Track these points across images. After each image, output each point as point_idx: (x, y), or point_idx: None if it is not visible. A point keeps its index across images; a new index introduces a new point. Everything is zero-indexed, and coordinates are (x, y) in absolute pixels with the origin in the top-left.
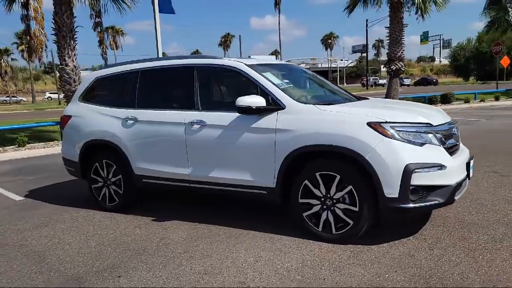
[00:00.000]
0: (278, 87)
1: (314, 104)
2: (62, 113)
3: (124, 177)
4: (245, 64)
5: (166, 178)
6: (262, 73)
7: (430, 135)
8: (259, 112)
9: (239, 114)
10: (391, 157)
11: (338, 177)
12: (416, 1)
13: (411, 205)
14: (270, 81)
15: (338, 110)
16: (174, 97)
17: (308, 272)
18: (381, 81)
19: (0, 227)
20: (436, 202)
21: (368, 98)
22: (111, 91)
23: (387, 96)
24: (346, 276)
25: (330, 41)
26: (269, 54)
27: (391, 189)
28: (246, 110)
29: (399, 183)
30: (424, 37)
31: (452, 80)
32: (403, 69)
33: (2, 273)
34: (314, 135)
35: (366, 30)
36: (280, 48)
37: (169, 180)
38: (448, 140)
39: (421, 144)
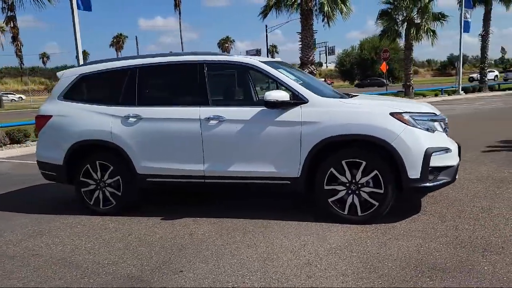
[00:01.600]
0: (297, 83)
1: (333, 98)
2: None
3: (123, 178)
4: (260, 61)
5: (176, 175)
6: (278, 70)
7: (436, 123)
8: (284, 106)
9: (261, 109)
10: (414, 143)
11: (364, 163)
12: (324, 10)
13: (429, 184)
14: (288, 77)
15: (357, 102)
16: (182, 93)
17: (358, 249)
18: None
19: None
20: (445, 180)
21: (356, 94)
22: (101, 88)
23: None
24: (394, 249)
25: (227, 45)
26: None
27: (414, 171)
28: (274, 104)
29: (421, 165)
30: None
31: (341, 84)
32: (315, 72)
33: (47, 282)
34: (340, 126)
35: (266, 35)
36: (182, 50)
37: (180, 177)
38: (446, 127)
39: (433, 131)
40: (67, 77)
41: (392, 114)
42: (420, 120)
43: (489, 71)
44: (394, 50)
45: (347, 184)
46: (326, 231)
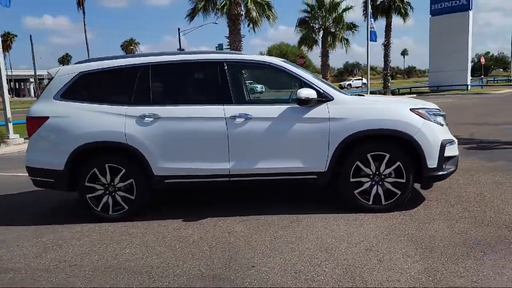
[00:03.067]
0: (320, 81)
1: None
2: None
3: (137, 181)
4: (280, 60)
5: (198, 175)
6: (298, 69)
7: (441, 118)
8: (313, 103)
9: (288, 106)
10: (432, 135)
11: (387, 155)
12: (251, 15)
13: (442, 172)
14: (311, 76)
15: (375, 100)
16: (203, 92)
17: (400, 233)
18: None
19: None
20: (452, 169)
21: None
22: (108, 87)
23: None
24: (432, 231)
25: (131, 47)
26: (60, 58)
27: (432, 161)
28: (306, 101)
29: (438, 155)
30: (220, 49)
31: None
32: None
33: None
34: (366, 121)
35: (179, 38)
36: (88, 51)
37: (202, 177)
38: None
39: (442, 125)
40: (63, 76)
41: (412, 109)
42: (433, 115)
43: (356, 79)
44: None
45: (371, 176)
46: (359, 220)
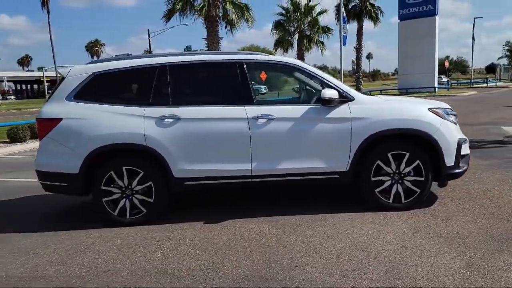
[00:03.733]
0: (340, 82)
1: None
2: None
3: (156, 183)
4: (299, 61)
5: (219, 176)
6: (318, 69)
7: (454, 117)
8: (335, 103)
9: (310, 106)
10: (450, 134)
11: (407, 154)
12: (230, 17)
13: (458, 170)
14: (331, 76)
15: (393, 99)
16: (223, 92)
17: (428, 230)
18: None
19: (16, 264)
20: (466, 167)
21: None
22: (123, 87)
23: None
24: (458, 227)
25: (96, 48)
26: (19, 59)
27: (450, 159)
28: (329, 102)
29: (455, 153)
30: (188, 50)
31: None
32: None
33: None
34: (387, 121)
35: (149, 40)
36: (53, 51)
37: (223, 178)
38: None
39: (456, 124)
40: (75, 76)
41: (429, 109)
42: (448, 114)
43: None
44: None
45: (392, 175)
46: (382, 219)
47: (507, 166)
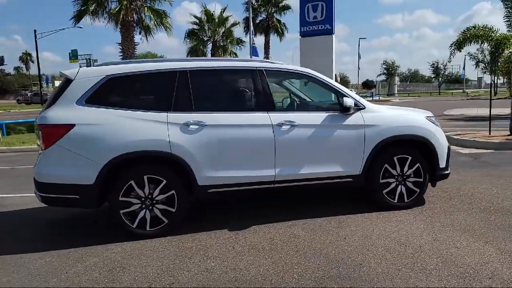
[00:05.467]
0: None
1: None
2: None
3: (179, 192)
4: (314, 71)
5: (244, 183)
6: (331, 79)
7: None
8: (352, 111)
9: (328, 114)
10: (442, 139)
11: (410, 158)
12: (144, 24)
13: (448, 171)
14: (342, 86)
15: (396, 108)
16: (245, 99)
17: (439, 224)
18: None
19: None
20: (449, 169)
21: None
22: (141, 92)
23: None
24: (465, 220)
25: None
26: None
27: (443, 161)
28: (348, 109)
29: (446, 156)
30: (73, 55)
31: None
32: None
33: None
34: (395, 127)
35: (36, 41)
36: None
37: (247, 184)
38: None
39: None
40: (85, 79)
41: (427, 117)
42: (437, 122)
43: None
44: None
45: (396, 177)
46: (392, 217)
47: (476, 166)
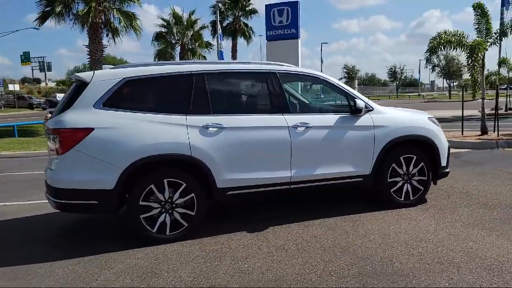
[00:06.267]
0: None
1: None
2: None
3: (198, 195)
4: (325, 74)
5: (261, 184)
6: (342, 83)
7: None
8: (364, 113)
9: (339, 115)
10: (443, 139)
11: (415, 157)
12: (112, 26)
13: (448, 170)
14: (351, 89)
15: (399, 109)
16: (260, 101)
17: (449, 220)
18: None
19: None
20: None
21: None
22: (158, 95)
23: None
24: (468, 216)
25: None
26: None
27: (444, 160)
28: (360, 111)
29: (447, 155)
30: (25, 58)
31: None
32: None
33: None
34: (402, 128)
35: None
36: None
37: (265, 186)
38: None
39: None
40: (101, 81)
41: (429, 118)
42: (437, 122)
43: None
44: None
45: (403, 176)
46: (402, 215)
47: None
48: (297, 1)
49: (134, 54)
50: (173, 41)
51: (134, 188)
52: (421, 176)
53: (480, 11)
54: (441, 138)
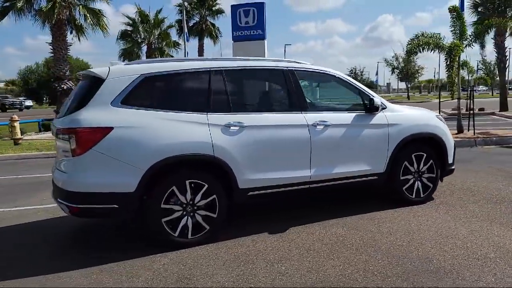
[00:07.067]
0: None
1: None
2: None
3: (220, 196)
4: (339, 72)
5: (282, 184)
6: (356, 81)
7: None
8: (379, 111)
9: (356, 113)
10: (450, 137)
11: (425, 155)
12: (76, 23)
13: (454, 167)
14: (365, 87)
15: (409, 107)
16: (279, 99)
17: (462, 217)
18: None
19: None
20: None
21: None
22: (177, 92)
23: None
24: (478, 211)
25: None
26: None
27: (451, 158)
28: (376, 109)
29: (453, 153)
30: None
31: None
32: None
33: None
34: (414, 126)
35: None
36: None
37: (285, 186)
38: None
39: None
40: (119, 78)
41: (437, 116)
42: (444, 120)
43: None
44: None
45: (413, 173)
46: (419, 212)
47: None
48: (263, 2)
49: (87, 53)
50: (139, 40)
51: (155, 190)
52: (430, 173)
53: (456, 14)
54: (448, 135)
